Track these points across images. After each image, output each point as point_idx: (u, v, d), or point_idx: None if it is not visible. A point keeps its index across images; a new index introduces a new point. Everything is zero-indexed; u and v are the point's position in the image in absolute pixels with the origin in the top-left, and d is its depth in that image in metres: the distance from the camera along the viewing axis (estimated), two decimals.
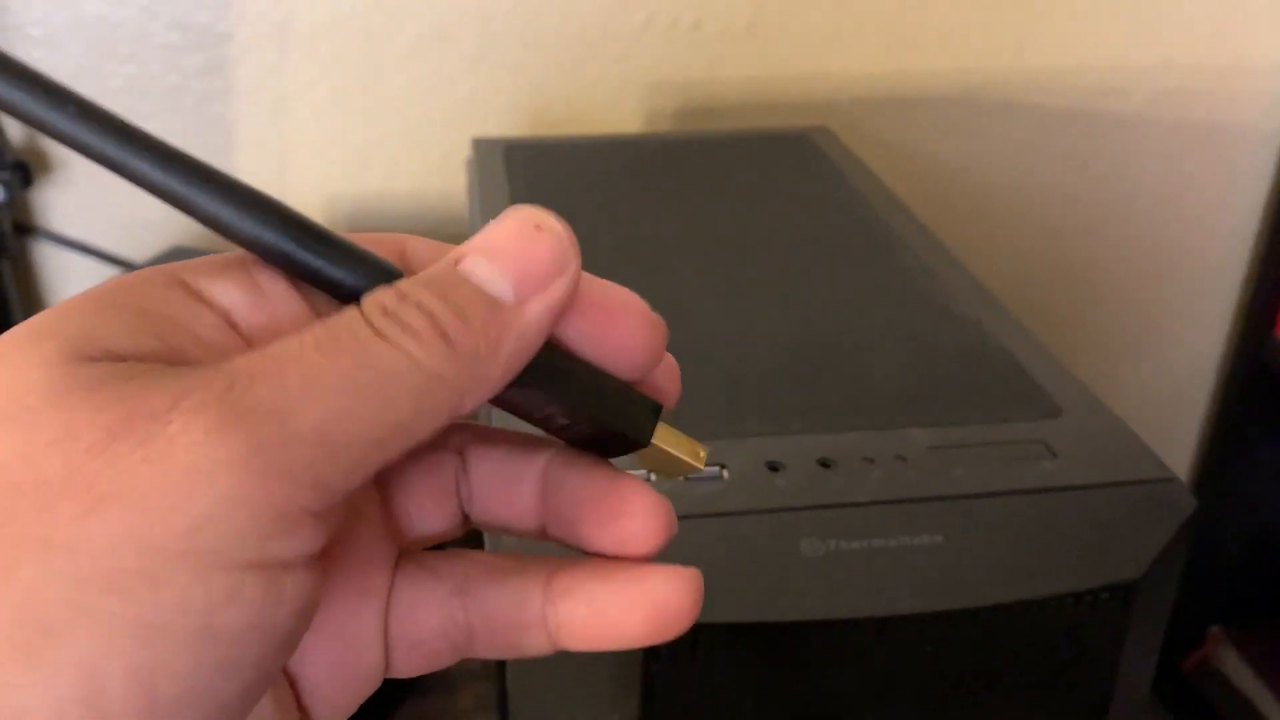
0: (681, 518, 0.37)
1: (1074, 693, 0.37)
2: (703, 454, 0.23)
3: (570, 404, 0.21)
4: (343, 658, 0.21)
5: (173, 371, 0.17)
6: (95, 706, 0.15)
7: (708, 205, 0.61)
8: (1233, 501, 0.94)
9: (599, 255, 0.55)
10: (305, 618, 0.18)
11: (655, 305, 0.23)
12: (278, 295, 0.20)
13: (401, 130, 0.77)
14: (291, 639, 0.18)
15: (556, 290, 0.20)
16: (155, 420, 0.16)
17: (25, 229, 0.76)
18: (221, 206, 0.19)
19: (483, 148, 0.68)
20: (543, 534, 0.23)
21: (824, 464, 0.39)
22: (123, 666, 0.15)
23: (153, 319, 0.19)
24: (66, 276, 0.79)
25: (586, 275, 0.21)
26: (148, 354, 0.18)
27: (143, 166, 0.19)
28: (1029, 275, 0.88)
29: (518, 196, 0.60)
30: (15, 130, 0.72)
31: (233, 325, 0.20)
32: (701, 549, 0.35)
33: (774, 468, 0.38)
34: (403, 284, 0.19)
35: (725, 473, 0.38)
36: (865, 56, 0.80)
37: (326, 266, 0.20)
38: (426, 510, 0.23)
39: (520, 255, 0.19)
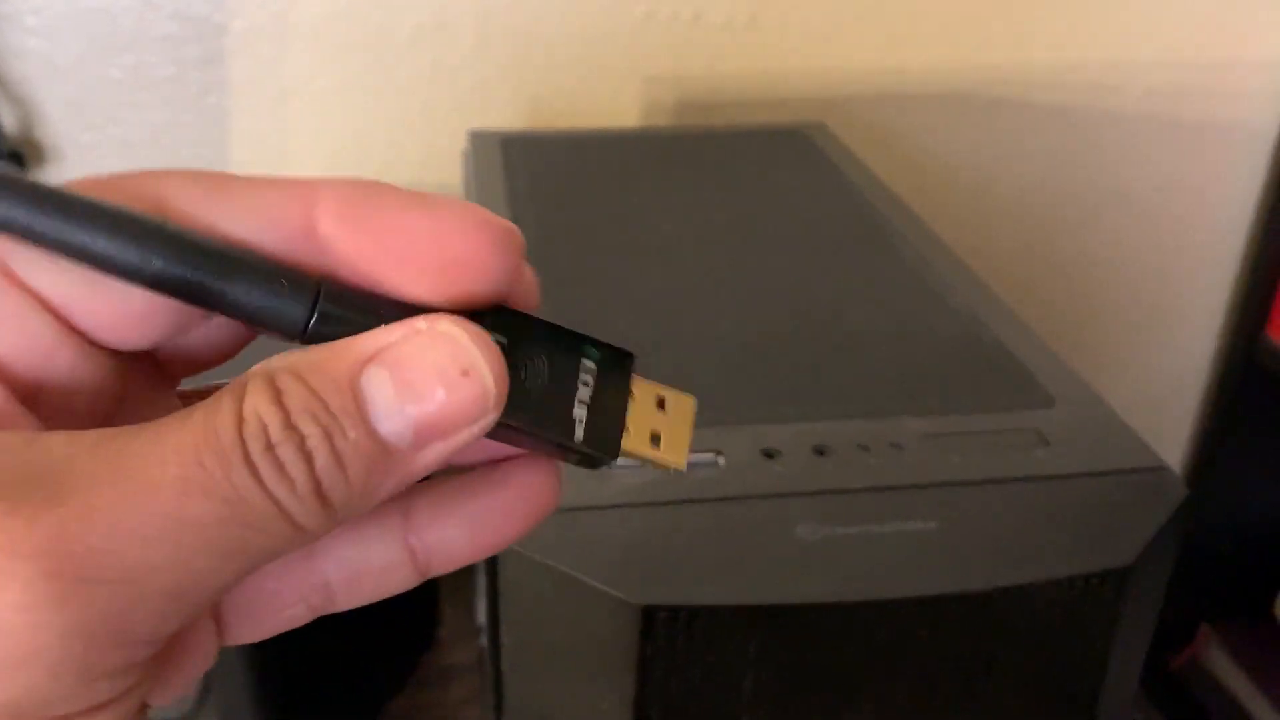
0: (679, 502, 0.38)
1: (1066, 678, 0.37)
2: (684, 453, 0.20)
3: (521, 444, 0.19)
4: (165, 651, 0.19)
5: None
6: None
7: (705, 199, 0.61)
8: (1223, 500, 0.94)
9: (595, 248, 0.56)
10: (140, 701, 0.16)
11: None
12: None
13: (400, 122, 0.78)
14: None
15: (461, 439, 0.17)
16: None
17: None
18: (93, 237, 0.16)
19: (479, 140, 0.68)
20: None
21: (820, 451, 0.39)
22: None
23: None
24: None
25: (407, 192, 0.18)
26: None
27: None
28: (1023, 270, 0.89)
29: (515, 189, 0.60)
30: (9, 120, 0.72)
31: None
32: (699, 533, 0.36)
33: (770, 454, 0.39)
34: (292, 398, 0.16)
35: (722, 459, 0.38)
36: (863, 52, 0.80)
37: (229, 294, 0.17)
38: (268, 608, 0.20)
39: (432, 401, 0.16)
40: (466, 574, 0.63)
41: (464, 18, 0.75)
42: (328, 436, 0.16)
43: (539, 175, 0.63)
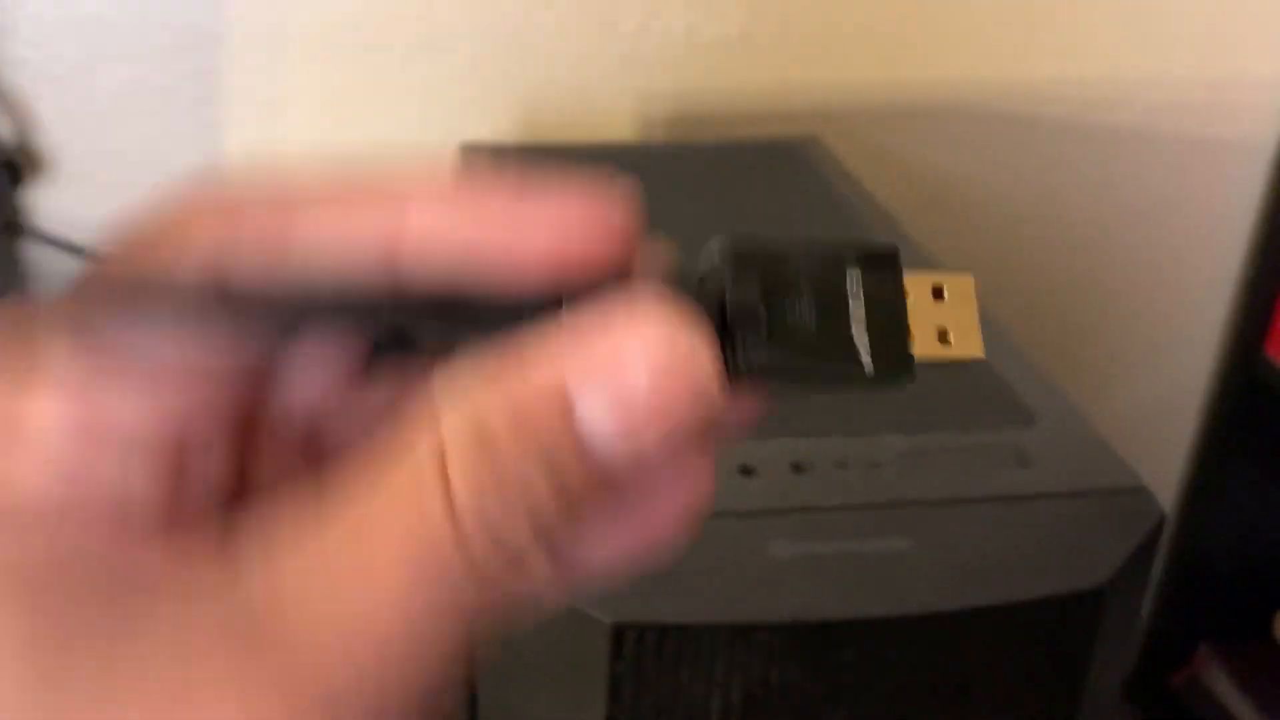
0: None
1: (1042, 698, 0.37)
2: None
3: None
4: None
5: (163, 595, 0.14)
6: None
7: (698, 213, 0.61)
8: (1222, 518, 0.94)
9: None
10: None
11: None
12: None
13: (394, 136, 0.78)
14: None
15: (681, 438, 0.15)
16: (171, 699, 0.13)
17: (14, 229, 0.77)
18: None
19: (470, 154, 0.68)
20: None
21: (796, 468, 0.39)
22: None
23: None
24: (56, 277, 0.79)
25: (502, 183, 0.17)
26: None
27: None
28: (1019, 286, 0.89)
29: None
30: (5, 129, 0.72)
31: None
32: (671, 550, 0.35)
33: (746, 471, 0.38)
34: (505, 456, 0.14)
35: None
36: (857, 66, 0.80)
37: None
38: None
39: (653, 415, 0.15)
40: None
41: (458, 33, 0.75)
42: (553, 490, 0.14)
43: None
